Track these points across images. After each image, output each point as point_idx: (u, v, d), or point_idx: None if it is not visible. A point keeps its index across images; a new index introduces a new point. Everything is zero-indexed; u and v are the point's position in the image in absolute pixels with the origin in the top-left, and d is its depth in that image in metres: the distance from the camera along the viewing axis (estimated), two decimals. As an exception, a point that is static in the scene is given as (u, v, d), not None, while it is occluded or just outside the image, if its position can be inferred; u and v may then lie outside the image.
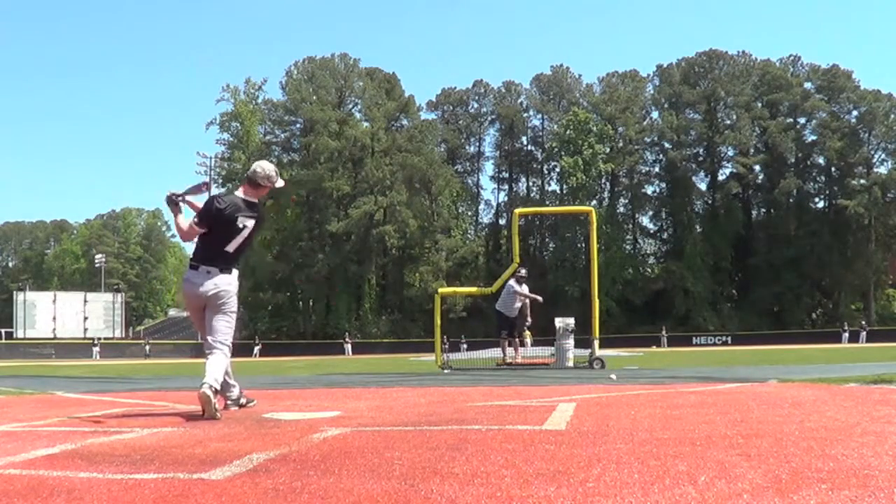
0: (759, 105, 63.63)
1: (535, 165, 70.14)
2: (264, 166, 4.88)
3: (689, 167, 63.89)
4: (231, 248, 4.70)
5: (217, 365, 4.60)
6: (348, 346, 48.85)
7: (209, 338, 4.71)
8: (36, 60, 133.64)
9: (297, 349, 48.87)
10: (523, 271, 12.60)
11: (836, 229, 60.15)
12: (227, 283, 4.71)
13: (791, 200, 63.67)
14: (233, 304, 4.78)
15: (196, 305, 4.79)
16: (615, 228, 62.79)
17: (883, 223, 60.52)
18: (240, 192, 4.83)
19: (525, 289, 12.75)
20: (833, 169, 62.62)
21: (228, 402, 4.92)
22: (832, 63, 63.80)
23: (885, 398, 4.86)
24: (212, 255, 4.71)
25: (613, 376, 8.20)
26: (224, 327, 4.73)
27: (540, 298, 12.84)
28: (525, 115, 69.16)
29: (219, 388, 4.57)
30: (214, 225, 4.66)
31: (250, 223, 4.73)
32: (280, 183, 4.89)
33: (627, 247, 65.89)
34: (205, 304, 4.73)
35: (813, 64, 65.20)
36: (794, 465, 2.44)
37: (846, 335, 47.13)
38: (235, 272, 4.80)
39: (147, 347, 51.31)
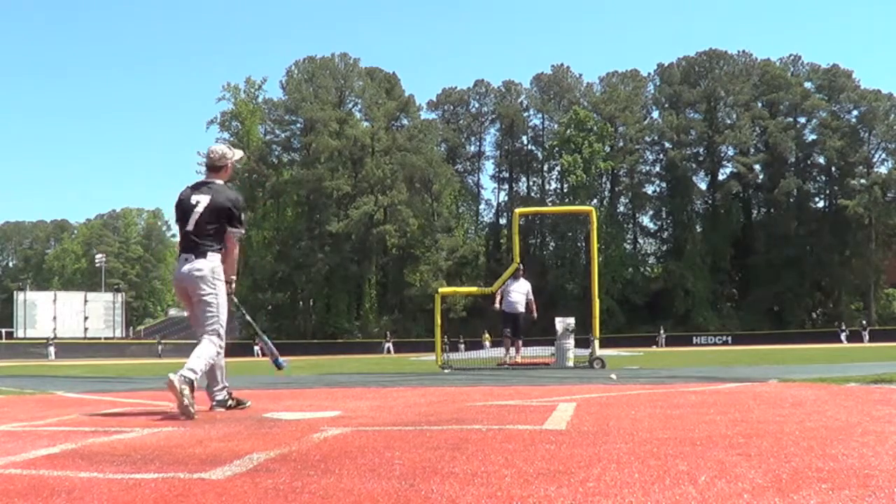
0: (759, 105, 63.66)
1: (535, 165, 70.18)
2: (213, 147, 4.88)
3: (689, 167, 63.93)
4: (189, 226, 4.60)
5: (198, 355, 4.40)
6: (389, 345, 48.36)
7: (197, 329, 4.61)
8: (36, 60, 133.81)
9: (297, 349, 48.79)
10: (520, 268, 12.60)
11: (836, 229, 60.15)
12: (199, 268, 4.55)
13: (791, 200, 63.68)
14: (208, 289, 4.56)
15: (181, 295, 4.78)
16: (615, 228, 62.82)
17: (883, 223, 60.52)
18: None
19: (523, 285, 12.76)
20: (833, 168, 62.65)
21: (214, 403, 4.68)
22: (832, 63, 64.05)
23: (885, 398, 4.86)
24: (183, 242, 4.70)
25: (613, 376, 8.20)
26: (205, 315, 4.56)
27: (534, 314, 12.86)
28: (525, 114, 69.22)
29: (196, 377, 4.30)
30: (180, 215, 4.70)
31: (203, 198, 4.62)
32: (238, 154, 4.91)
33: (627, 246, 65.93)
34: (188, 292, 4.64)
35: (813, 63, 65.33)
36: (795, 465, 2.44)
37: (844, 335, 47.14)
38: (213, 255, 4.60)
39: (160, 347, 50.11)
